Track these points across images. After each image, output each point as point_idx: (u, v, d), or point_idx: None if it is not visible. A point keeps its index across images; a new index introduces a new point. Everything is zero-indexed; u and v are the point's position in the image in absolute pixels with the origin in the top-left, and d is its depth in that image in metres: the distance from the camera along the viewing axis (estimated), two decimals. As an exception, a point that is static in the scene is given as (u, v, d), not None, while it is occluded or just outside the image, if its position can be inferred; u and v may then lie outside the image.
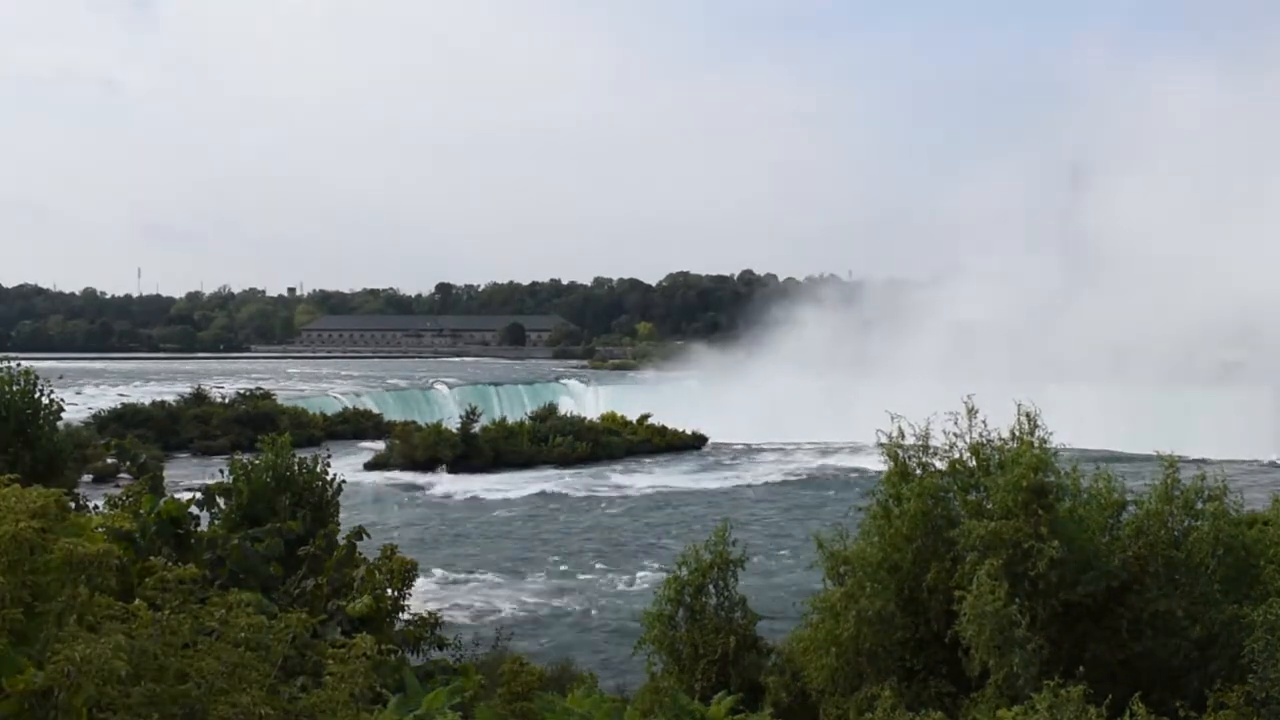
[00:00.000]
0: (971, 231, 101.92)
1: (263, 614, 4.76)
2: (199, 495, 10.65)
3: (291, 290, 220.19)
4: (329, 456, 12.80)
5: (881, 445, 10.68)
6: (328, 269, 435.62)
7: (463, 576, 26.72)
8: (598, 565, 28.42)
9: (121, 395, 62.90)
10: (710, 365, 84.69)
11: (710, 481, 45.00)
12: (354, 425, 57.82)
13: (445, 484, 42.56)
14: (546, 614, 23.55)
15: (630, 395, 68.65)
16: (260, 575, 8.64)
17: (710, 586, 11.43)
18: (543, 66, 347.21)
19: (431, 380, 79.01)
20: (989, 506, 9.59)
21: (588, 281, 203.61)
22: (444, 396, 68.39)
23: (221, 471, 12.02)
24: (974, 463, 10.16)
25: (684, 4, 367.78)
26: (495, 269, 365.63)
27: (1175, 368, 58.01)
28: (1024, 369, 53.66)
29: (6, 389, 14.49)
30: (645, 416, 55.91)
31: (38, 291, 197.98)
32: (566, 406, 59.90)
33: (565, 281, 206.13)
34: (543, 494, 40.97)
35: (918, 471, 10.37)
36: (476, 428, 48.00)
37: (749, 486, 43.79)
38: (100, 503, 9.62)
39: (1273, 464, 47.34)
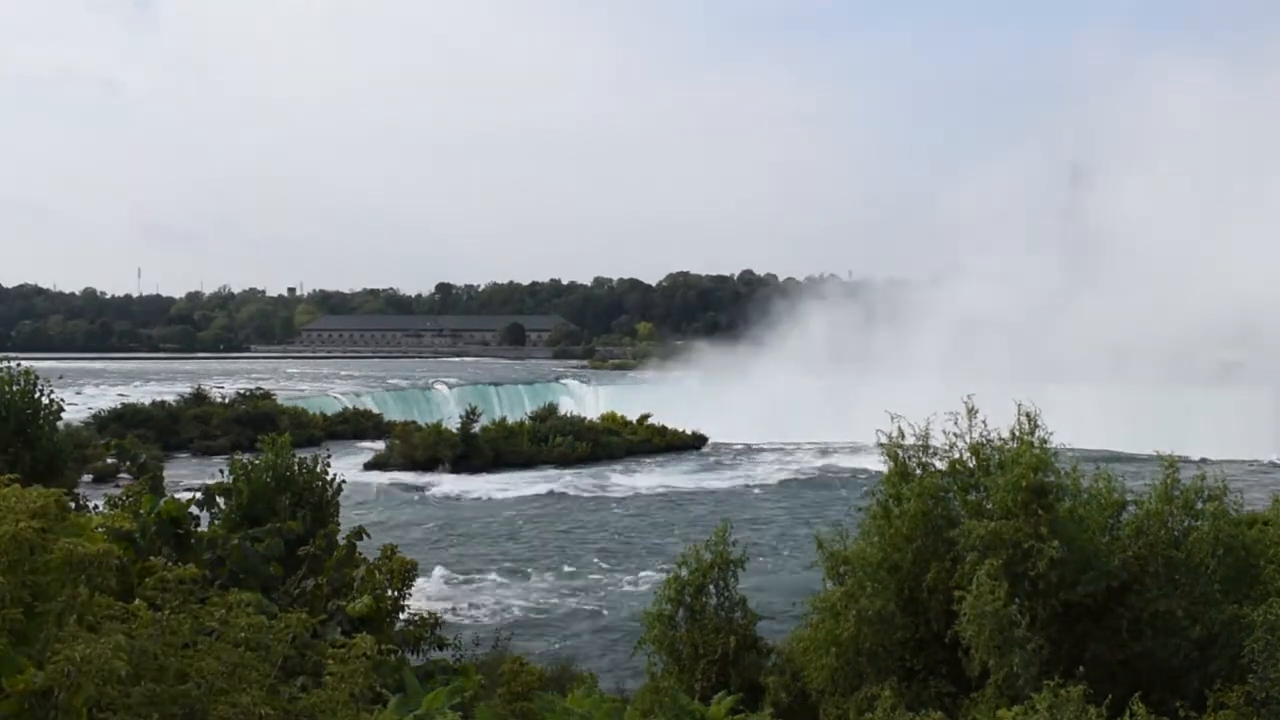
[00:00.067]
0: (971, 231, 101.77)
1: (263, 614, 4.76)
2: (199, 495, 10.65)
3: (291, 290, 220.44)
4: (329, 456, 12.80)
5: (881, 445, 10.68)
6: (328, 269, 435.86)
7: (463, 576, 26.72)
8: (598, 565, 28.43)
9: (121, 395, 62.89)
10: (710, 365, 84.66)
11: (710, 481, 44.99)
12: (354, 425, 57.82)
13: (445, 484, 42.55)
14: (546, 614, 23.55)
15: (630, 395, 68.65)
16: (260, 575, 8.64)
17: (710, 586, 11.43)
18: (543, 66, 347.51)
19: (431, 380, 79.02)
20: (989, 506, 9.59)
21: (588, 281, 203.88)
22: (444, 396, 68.41)
23: (221, 471, 12.03)
24: (974, 463, 10.16)
25: (684, 4, 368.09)
26: (495, 269, 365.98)
27: (1175, 368, 58.03)
28: (1024, 369, 53.68)
29: (6, 389, 14.49)
30: (645, 416, 55.91)
31: (38, 291, 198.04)
32: (566, 406, 59.91)
33: (565, 281, 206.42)
34: (543, 494, 40.97)
35: (918, 471, 10.37)
36: (476, 428, 48.00)
37: (749, 486, 43.79)
38: (100, 503, 9.62)
39: (1273, 464, 47.33)
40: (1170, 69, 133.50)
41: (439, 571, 26.43)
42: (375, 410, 61.65)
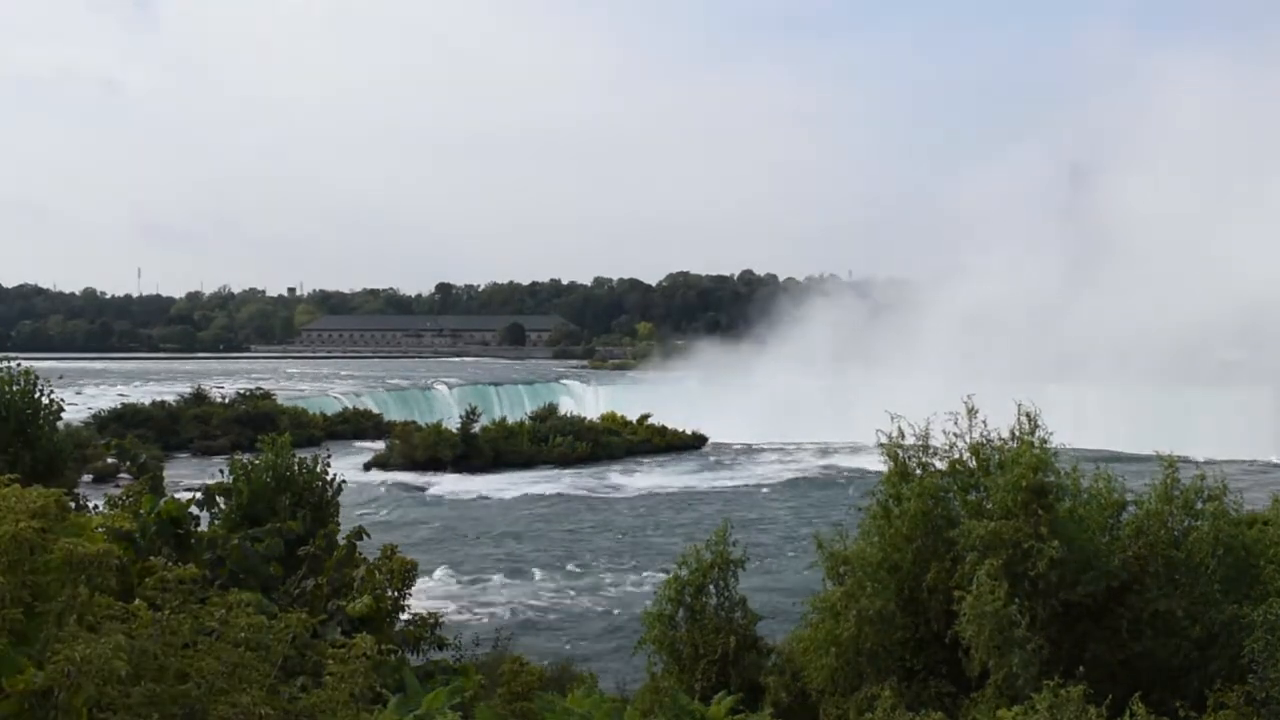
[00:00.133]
0: (971, 231, 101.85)
1: (263, 614, 4.76)
2: (199, 495, 10.63)
3: (291, 290, 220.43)
4: (329, 456, 12.78)
5: (881, 445, 10.68)
6: (328, 269, 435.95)
7: (463, 576, 26.73)
8: (598, 565, 28.43)
9: (121, 395, 62.91)
10: (710, 365, 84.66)
11: (711, 481, 45.00)
12: (354, 425, 57.85)
13: (445, 484, 42.56)
14: (546, 614, 23.56)
15: (630, 395, 68.66)
16: (260, 575, 8.63)
17: (710, 586, 11.42)
18: (543, 66, 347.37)
19: (431, 380, 79.04)
20: (989, 506, 9.58)
21: (588, 281, 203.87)
22: (444, 396, 68.42)
23: (221, 471, 12.01)
24: (974, 463, 10.16)
25: (684, 4, 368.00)
26: (495, 269, 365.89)
27: (1175, 368, 58.01)
28: (1024, 368, 53.70)
29: (6, 389, 14.48)
30: (645, 416, 55.93)
31: (38, 291, 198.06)
32: (566, 406, 59.94)
33: (565, 281, 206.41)
34: (543, 494, 40.98)
35: (918, 471, 10.37)
36: (476, 428, 48.03)
37: (749, 486, 43.80)
38: (100, 503, 9.62)
39: (1272, 464, 47.33)
40: (1171, 68, 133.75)
41: (439, 571, 26.45)
42: (375, 410, 61.67)
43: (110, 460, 30.75)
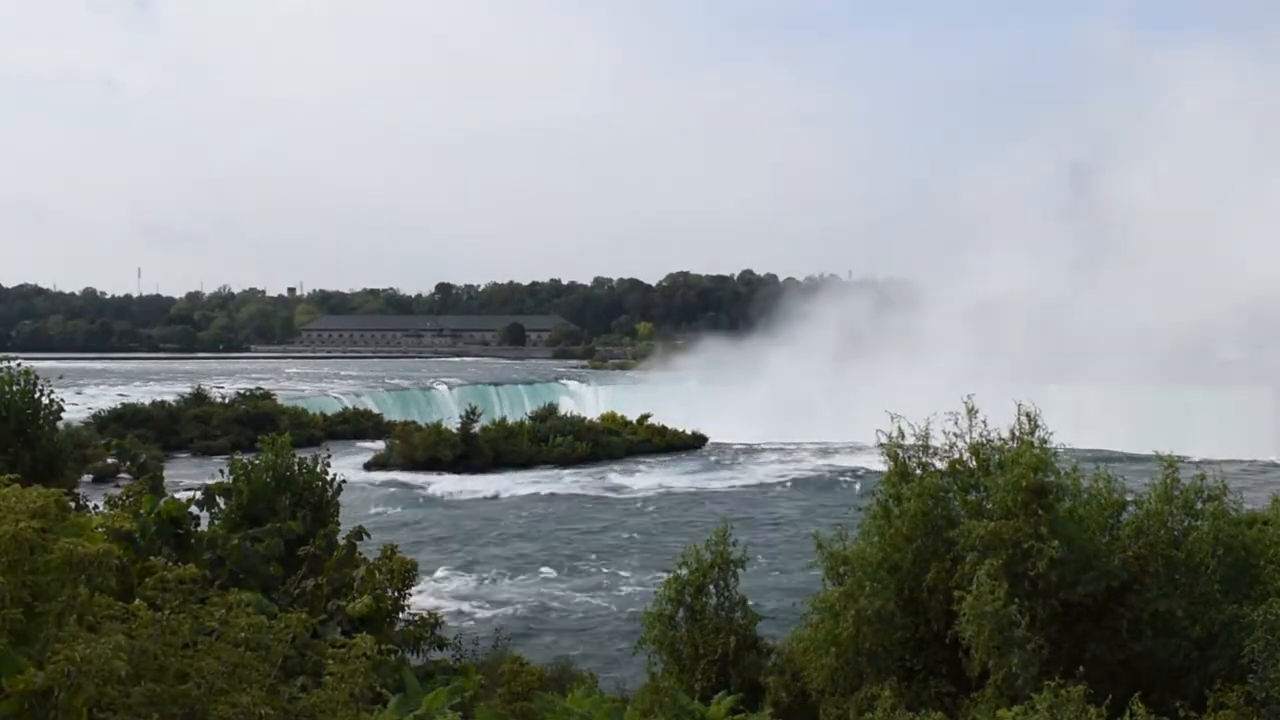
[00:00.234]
0: (972, 231, 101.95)
1: (263, 614, 4.75)
2: (199, 495, 10.64)
3: (291, 290, 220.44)
4: (329, 456, 12.79)
5: (881, 445, 10.68)
6: (328, 269, 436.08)
7: (463, 576, 26.73)
8: (598, 565, 28.43)
9: (121, 395, 62.86)
10: (710, 365, 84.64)
11: (710, 481, 44.99)
12: (354, 425, 57.82)
13: (445, 484, 42.54)
14: (547, 614, 23.55)
15: (630, 395, 68.64)
16: (260, 575, 8.64)
17: (710, 586, 11.42)
18: (543, 66, 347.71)
19: (431, 380, 79.03)
20: (989, 506, 9.58)
21: (588, 281, 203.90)
22: (444, 396, 68.40)
23: (221, 471, 12.01)
24: (974, 463, 10.16)
25: (684, 4, 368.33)
26: (495, 269, 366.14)
27: (1175, 368, 58.00)
28: (1024, 368, 53.70)
29: (6, 389, 14.49)
30: (645, 416, 55.91)
31: (38, 291, 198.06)
32: (566, 406, 59.91)
33: (565, 281, 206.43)
34: (543, 494, 40.97)
35: (918, 471, 10.37)
36: (476, 428, 48.00)
37: (749, 486, 43.79)
38: (100, 503, 9.62)
39: (1273, 464, 47.32)
40: (1171, 67, 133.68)
41: (439, 571, 26.44)
42: (375, 410, 61.64)
43: (110, 460, 30.75)
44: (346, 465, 34.35)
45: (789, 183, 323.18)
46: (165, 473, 13.93)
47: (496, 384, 74.74)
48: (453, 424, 49.56)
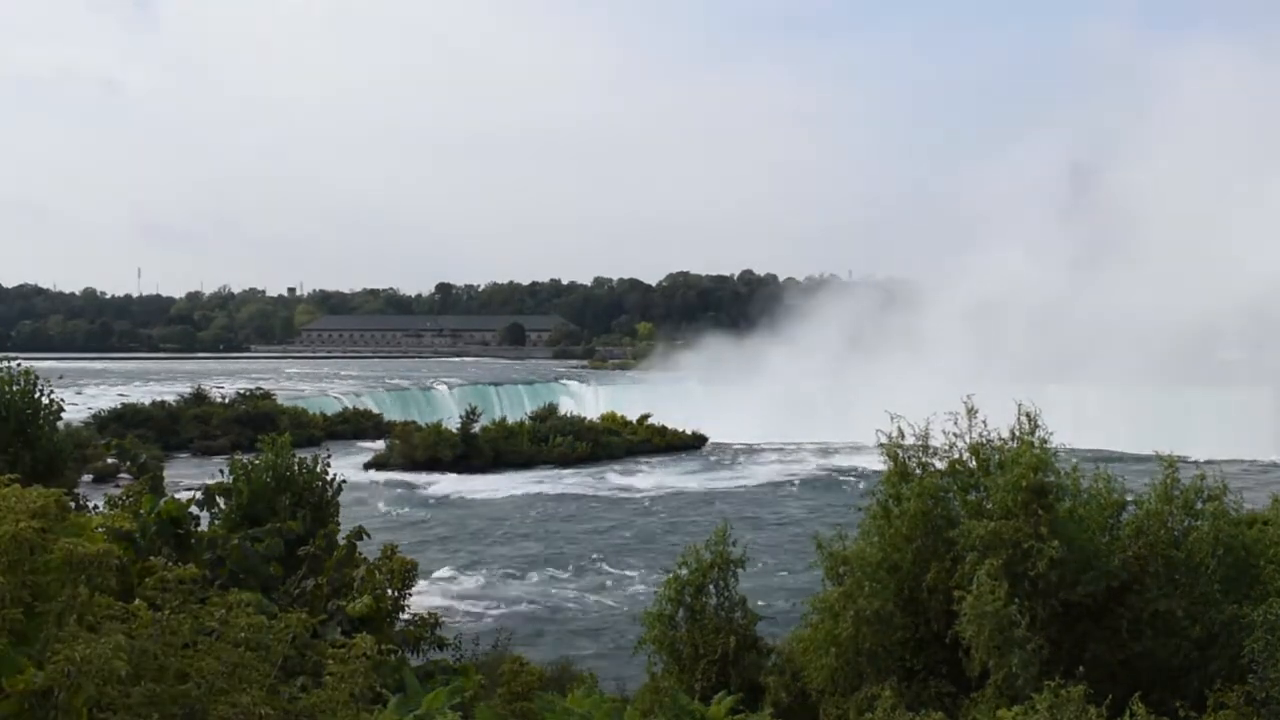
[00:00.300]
0: (972, 231, 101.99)
1: (263, 614, 4.75)
2: (199, 495, 10.64)
3: (291, 290, 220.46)
4: (329, 456, 12.79)
5: (881, 445, 10.68)
6: (328, 269, 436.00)
7: (463, 576, 26.73)
8: (598, 565, 28.43)
9: (121, 395, 62.86)
10: (710, 365, 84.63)
11: (710, 481, 45.00)
12: (354, 425, 57.83)
13: (445, 484, 42.55)
14: (547, 614, 23.56)
15: (630, 395, 68.64)
16: (260, 575, 8.63)
17: (710, 586, 11.42)
18: (543, 66, 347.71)
19: (431, 380, 79.02)
20: (989, 506, 9.58)
21: (588, 281, 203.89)
22: (444, 396, 68.40)
23: (221, 471, 12.01)
24: (974, 463, 10.16)
25: (684, 4, 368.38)
26: (495, 269, 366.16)
27: (1175, 368, 58.01)
28: (1025, 368, 53.72)
29: (6, 389, 14.48)
30: (645, 416, 55.92)
31: (38, 291, 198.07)
32: (566, 406, 59.91)
33: (565, 281, 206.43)
34: (543, 494, 40.98)
35: (917, 471, 10.37)
36: (476, 428, 48.01)
37: (749, 486, 43.80)
38: (100, 503, 9.62)
39: (1273, 464, 47.32)
40: (1171, 68, 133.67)
41: (439, 571, 26.44)
42: (375, 410, 61.65)
43: (110, 460, 30.74)
44: (346, 465, 34.33)
45: (789, 183, 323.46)
46: (165, 473, 13.93)
47: (496, 384, 74.73)
48: (453, 424, 49.57)
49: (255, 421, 48.37)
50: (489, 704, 6.50)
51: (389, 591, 8.60)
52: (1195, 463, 11.82)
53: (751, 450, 54.63)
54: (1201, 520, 9.70)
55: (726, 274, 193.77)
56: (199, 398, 56.12)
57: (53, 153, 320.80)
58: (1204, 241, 74.05)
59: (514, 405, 63.74)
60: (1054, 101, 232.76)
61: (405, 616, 8.83)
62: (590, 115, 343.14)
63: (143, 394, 62.24)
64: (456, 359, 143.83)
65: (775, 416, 58.85)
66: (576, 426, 52.37)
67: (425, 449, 46.20)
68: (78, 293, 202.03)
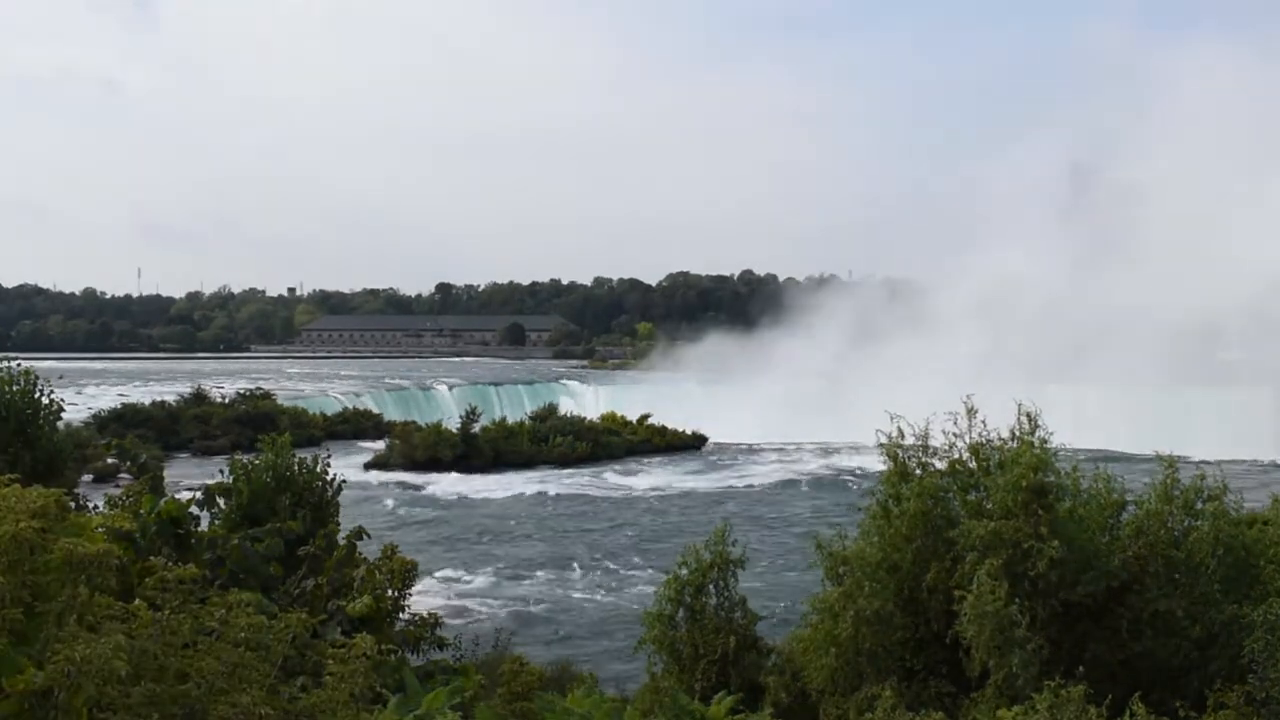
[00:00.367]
0: (972, 231, 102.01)
1: (263, 614, 4.76)
2: (199, 495, 10.64)
3: (291, 290, 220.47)
4: (329, 456, 12.79)
5: (881, 445, 10.67)
6: (328, 269, 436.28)
7: (463, 576, 26.73)
8: (598, 565, 28.43)
9: (121, 395, 62.85)
10: (710, 365, 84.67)
11: (711, 481, 45.00)
12: (354, 425, 57.82)
13: (445, 484, 42.55)
14: (547, 614, 23.55)
15: (630, 395, 68.65)
16: (260, 575, 8.64)
17: (710, 586, 11.41)
18: (543, 66, 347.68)
19: (431, 380, 79.02)
20: (989, 506, 9.58)
21: (588, 281, 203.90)
22: (444, 396, 68.41)
23: (221, 471, 12.01)
24: (974, 463, 10.15)
25: (684, 4, 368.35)
26: (495, 269, 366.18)
27: (1175, 368, 58.02)
28: (1025, 368, 53.72)
29: (6, 389, 14.48)
30: (645, 416, 55.90)
31: (38, 291, 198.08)
32: (566, 406, 59.89)
33: (565, 281, 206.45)
34: (543, 494, 40.97)
35: (917, 471, 10.36)
36: (476, 428, 48.01)
37: (749, 486, 43.79)
38: (100, 503, 9.62)
39: (1273, 464, 47.31)
40: (1170, 68, 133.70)
41: (440, 571, 26.44)
42: (375, 410, 61.64)
43: (110, 460, 30.74)
44: (346, 465, 34.33)
45: (789, 183, 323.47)
46: (165, 473, 13.93)
47: (496, 384, 74.74)
48: (453, 424, 49.57)
49: (255, 421, 48.36)
50: (489, 704, 6.50)
51: (389, 591, 8.60)
52: (1195, 463, 11.79)
53: (751, 450, 54.62)
54: (1201, 520, 9.70)
55: (726, 274, 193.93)
56: (199, 398, 56.11)
57: (53, 153, 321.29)
58: (1204, 241, 74.13)
59: (514, 405, 63.75)
60: (1054, 101, 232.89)
61: (405, 616, 8.83)
62: (590, 115, 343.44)
63: (143, 394, 62.22)
64: (456, 359, 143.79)
65: (775, 416, 58.86)
66: (576, 426, 52.36)
67: (425, 449, 46.20)
68: (78, 293, 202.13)
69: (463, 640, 12.19)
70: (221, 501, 11.31)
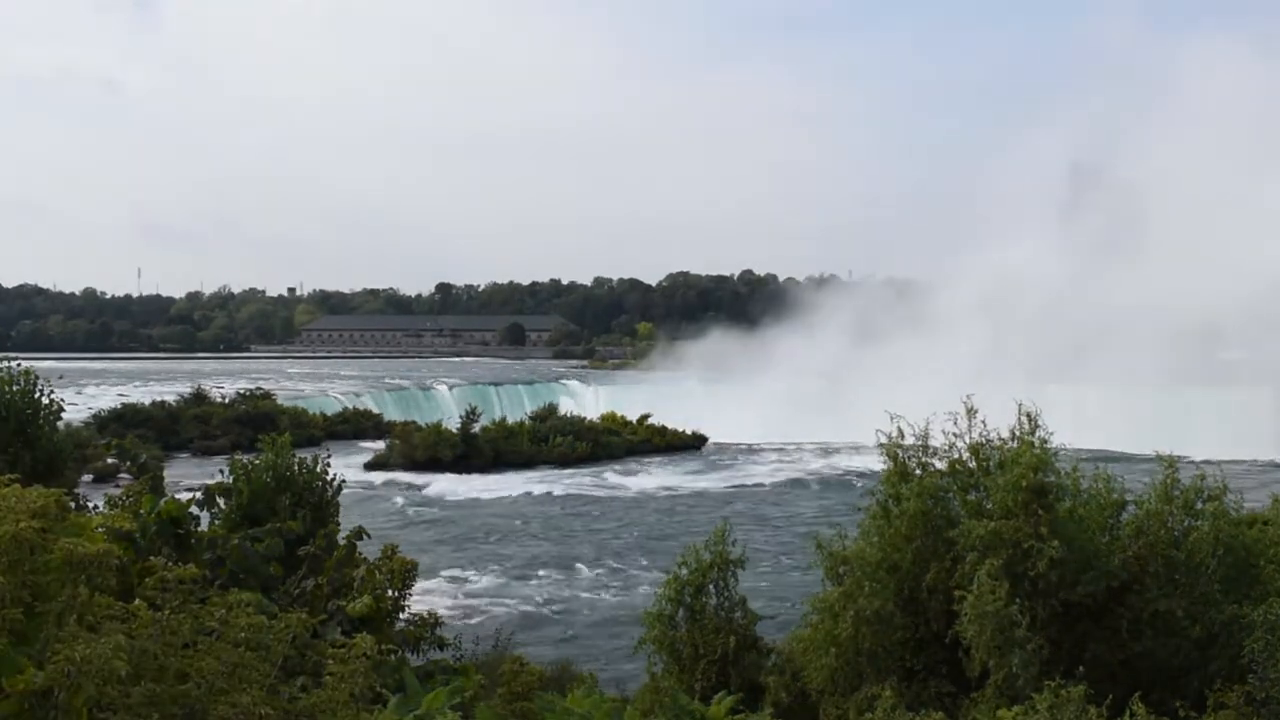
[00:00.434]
0: (972, 231, 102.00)
1: (263, 614, 4.75)
2: (199, 495, 10.62)
3: (291, 290, 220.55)
4: (329, 456, 12.78)
5: (881, 445, 10.67)
6: (328, 269, 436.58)
7: (463, 576, 26.73)
8: (598, 565, 28.43)
9: (121, 395, 62.84)
10: (710, 365, 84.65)
11: (711, 481, 44.99)
12: (354, 425, 57.80)
13: (445, 484, 42.54)
14: (547, 614, 23.55)
15: (630, 395, 68.63)
16: (260, 575, 8.63)
17: (710, 586, 11.42)
18: (543, 66, 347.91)
19: (431, 380, 79.00)
20: (989, 506, 9.58)
21: (588, 281, 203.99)
22: (444, 396, 68.40)
23: (221, 471, 12.00)
24: (974, 463, 10.15)
25: (684, 4, 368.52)
26: (495, 269, 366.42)
27: (1175, 368, 58.00)
28: (1025, 367, 53.74)
29: (6, 389, 14.47)
30: (645, 416, 55.89)
31: (38, 291, 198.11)
32: (566, 406, 59.88)
33: (565, 281, 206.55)
34: (542, 494, 40.97)
35: (917, 471, 10.36)
36: (476, 428, 48.00)
37: (750, 486, 43.80)
38: (100, 503, 9.61)
39: (1273, 464, 47.29)
40: (1170, 68, 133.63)
41: (440, 571, 26.43)
42: (375, 410, 61.62)
43: (110, 460, 30.73)
44: (346, 465, 34.35)
45: (789, 183, 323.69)
46: (165, 473, 13.91)
47: (496, 384, 74.73)
48: (453, 424, 49.56)
49: (255, 421, 48.34)
50: (489, 704, 6.50)
51: (389, 591, 8.59)
52: (1195, 463, 11.78)
53: (751, 450, 54.61)
54: (1201, 520, 9.69)
55: (726, 274, 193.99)
56: (199, 398, 56.10)
57: (53, 153, 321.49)
58: (1204, 241, 74.10)
59: (514, 405, 63.74)
60: (1054, 101, 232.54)
61: (405, 616, 8.83)
62: (590, 115, 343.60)
63: (143, 394, 62.21)
64: (456, 359, 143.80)
65: (775, 416, 58.86)
66: (576, 426, 52.35)
67: (425, 449, 46.19)
68: (78, 293, 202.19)
69: (463, 640, 12.19)
70: (221, 501, 11.30)
